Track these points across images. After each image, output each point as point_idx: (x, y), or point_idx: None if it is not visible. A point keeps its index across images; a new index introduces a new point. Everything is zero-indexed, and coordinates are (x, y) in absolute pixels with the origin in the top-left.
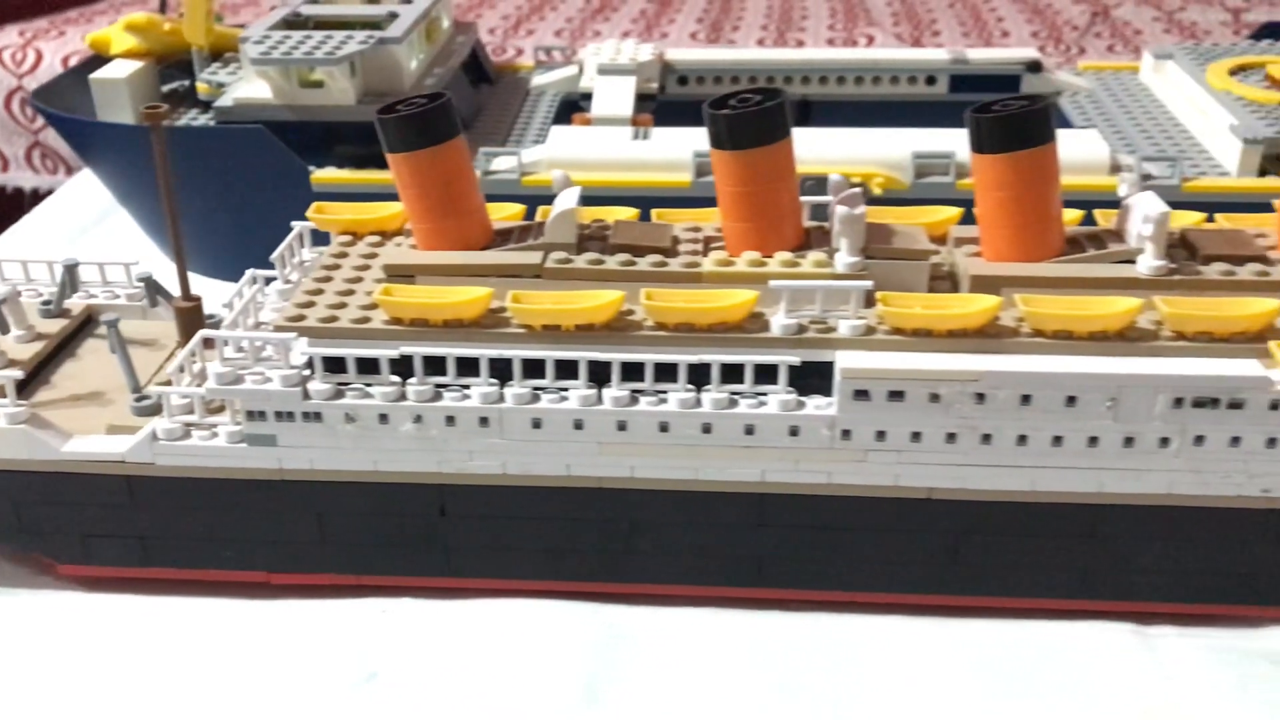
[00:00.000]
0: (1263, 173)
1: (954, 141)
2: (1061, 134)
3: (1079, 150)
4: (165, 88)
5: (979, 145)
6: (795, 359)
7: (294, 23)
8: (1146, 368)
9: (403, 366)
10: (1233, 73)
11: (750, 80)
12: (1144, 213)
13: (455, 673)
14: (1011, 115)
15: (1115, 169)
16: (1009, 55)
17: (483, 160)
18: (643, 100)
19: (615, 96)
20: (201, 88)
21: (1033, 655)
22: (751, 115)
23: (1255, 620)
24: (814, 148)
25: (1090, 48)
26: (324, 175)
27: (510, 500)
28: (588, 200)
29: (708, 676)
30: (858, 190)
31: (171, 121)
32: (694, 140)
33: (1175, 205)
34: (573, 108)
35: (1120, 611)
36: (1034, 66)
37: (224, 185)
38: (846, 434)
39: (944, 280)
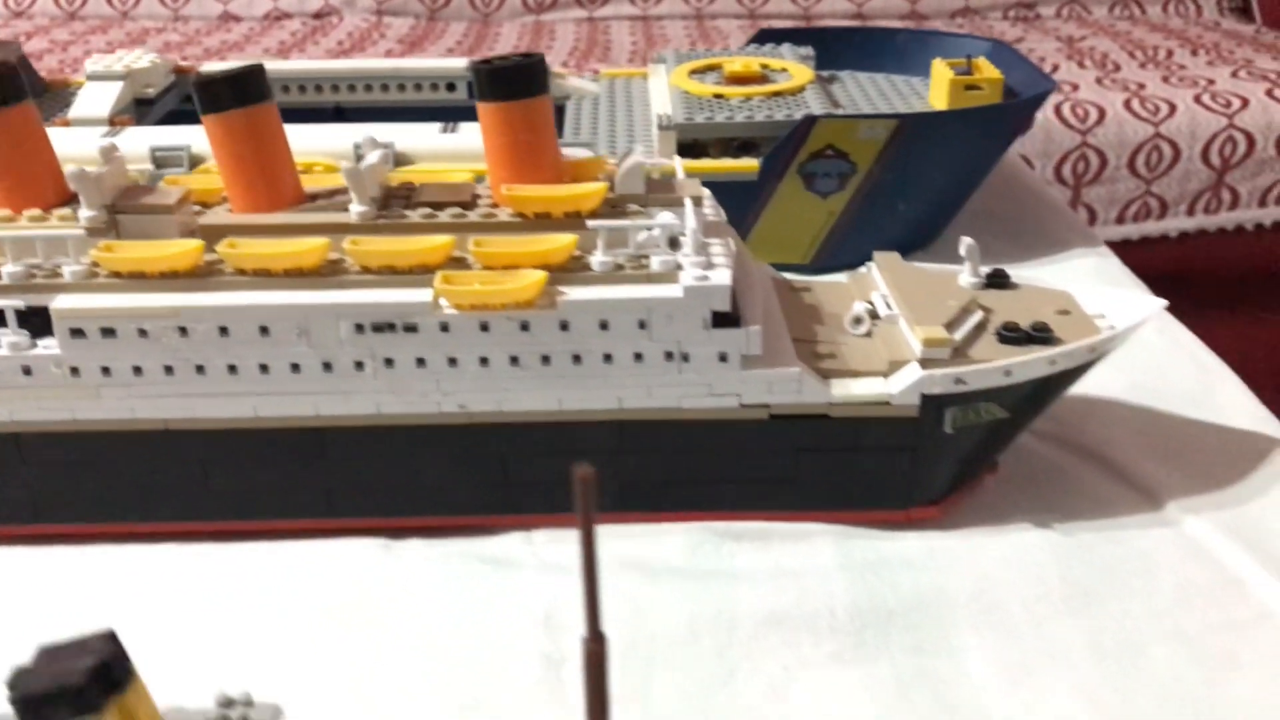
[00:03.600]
0: (691, 155)
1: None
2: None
3: None
4: None
5: (202, 110)
6: (20, 303)
7: None
8: (326, 299)
9: None
10: (695, 72)
11: (283, 90)
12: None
13: None
14: (216, 80)
15: None
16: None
17: None
18: (141, 104)
19: (95, 100)
20: None
21: (284, 574)
22: None
23: (492, 529)
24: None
25: None
26: None
27: None
28: None
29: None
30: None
31: None
32: (151, 137)
33: None
34: None
35: (374, 528)
36: None
37: None
38: (75, 371)
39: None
